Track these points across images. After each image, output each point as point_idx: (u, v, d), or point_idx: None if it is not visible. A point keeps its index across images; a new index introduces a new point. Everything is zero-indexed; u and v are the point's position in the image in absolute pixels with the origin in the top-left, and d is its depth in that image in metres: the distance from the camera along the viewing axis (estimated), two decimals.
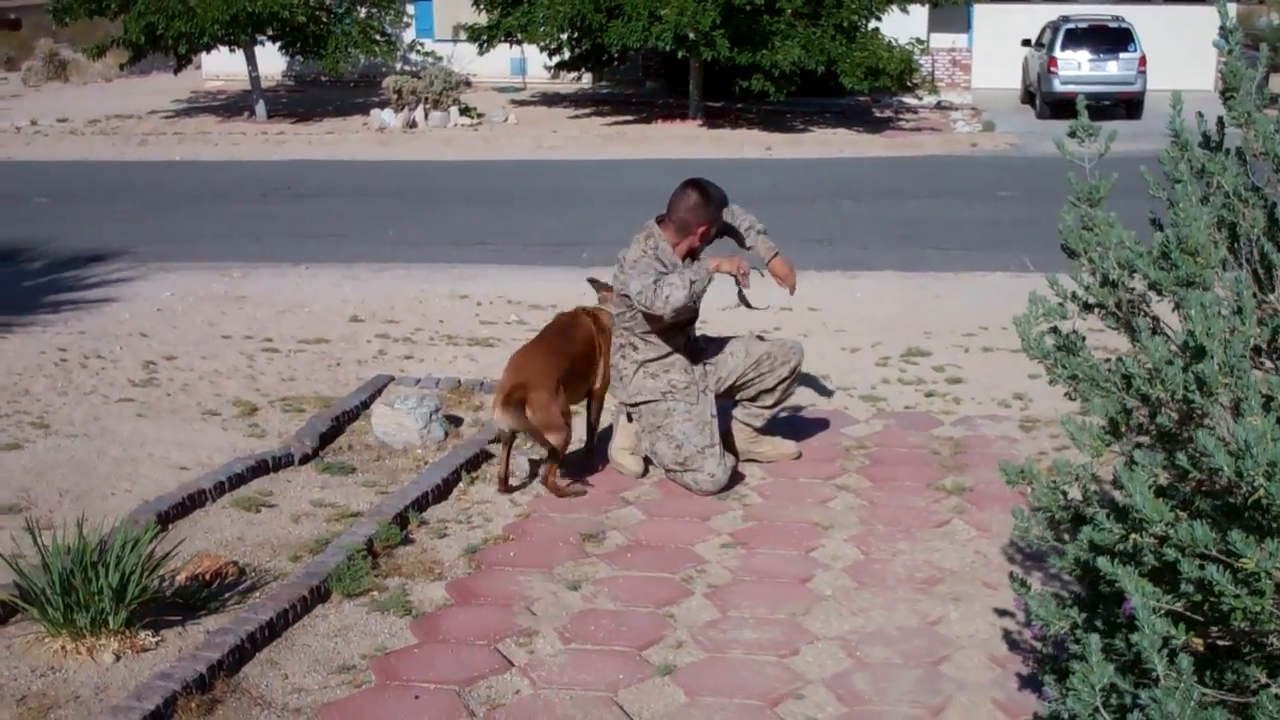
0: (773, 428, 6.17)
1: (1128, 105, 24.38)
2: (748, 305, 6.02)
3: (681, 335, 5.79)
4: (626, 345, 5.81)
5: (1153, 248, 2.84)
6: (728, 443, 5.87)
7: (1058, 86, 24.53)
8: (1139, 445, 2.72)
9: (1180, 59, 28.48)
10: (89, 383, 7.38)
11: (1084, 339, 3.18)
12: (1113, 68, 24.62)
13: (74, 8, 24.24)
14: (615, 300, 5.82)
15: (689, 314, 5.67)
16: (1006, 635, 4.29)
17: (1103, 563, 2.29)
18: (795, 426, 6.48)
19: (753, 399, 5.97)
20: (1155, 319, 2.97)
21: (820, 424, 6.60)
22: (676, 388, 5.71)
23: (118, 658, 4.03)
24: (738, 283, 5.71)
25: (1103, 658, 2.17)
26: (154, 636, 4.15)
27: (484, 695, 3.92)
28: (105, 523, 4.75)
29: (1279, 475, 2.01)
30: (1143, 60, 24.68)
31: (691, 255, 5.76)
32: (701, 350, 5.92)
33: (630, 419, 5.88)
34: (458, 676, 4.01)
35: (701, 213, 5.71)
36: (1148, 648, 2.12)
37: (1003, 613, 4.45)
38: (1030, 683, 3.92)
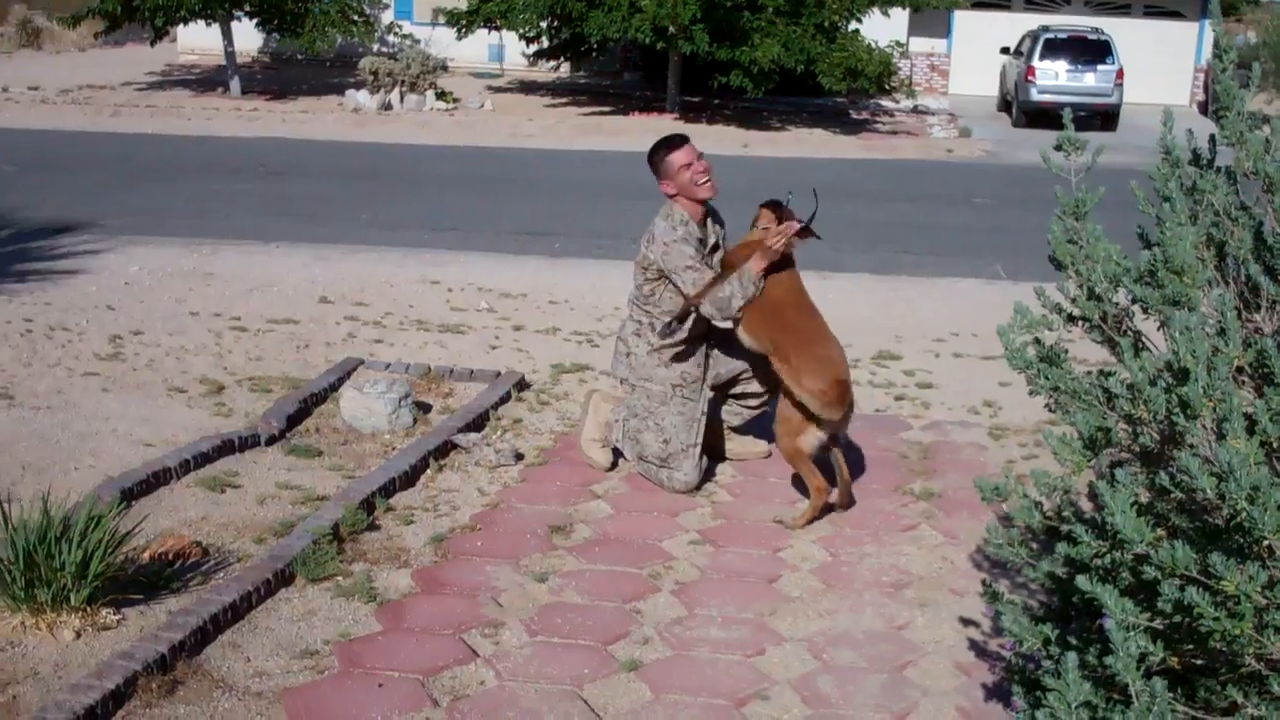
0: (743, 426, 6.16)
1: (1103, 117, 24.45)
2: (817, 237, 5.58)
3: (705, 322, 5.70)
4: (644, 325, 5.70)
5: (1139, 264, 2.84)
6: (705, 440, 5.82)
7: (1035, 96, 24.63)
8: (1118, 462, 2.72)
9: (1157, 73, 28.67)
10: (54, 355, 7.30)
11: (1066, 351, 3.18)
12: (1090, 79, 24.70)
13: None
14: (638, 278, 5.71)
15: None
16: (973, 643, 4.30)
17: (1082, 581, 2.28)
18: (765, 426, 6.46)
19: (739, 398, 5.96)
20: (1138, 334, 2.97)
21: None
22: (686, 381, 5.67)
23: (78, 635, 3.98)
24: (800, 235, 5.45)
25: (1079, 675, 2.16)
26: (115, 615, 4.11)
27: (448, 685, 3.90)
28: (68, 498, 4.71)
29: (1261, 499, 2.01)
30: (1120, 73, 24.79)
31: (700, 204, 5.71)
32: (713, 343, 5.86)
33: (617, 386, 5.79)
34: (422, 665, 3.99)
35: (662, 151, 5.76)
36: (1123, 670, 2.11)
37: (968, 621, 4.45)
38: (996, 692, 3.92)
